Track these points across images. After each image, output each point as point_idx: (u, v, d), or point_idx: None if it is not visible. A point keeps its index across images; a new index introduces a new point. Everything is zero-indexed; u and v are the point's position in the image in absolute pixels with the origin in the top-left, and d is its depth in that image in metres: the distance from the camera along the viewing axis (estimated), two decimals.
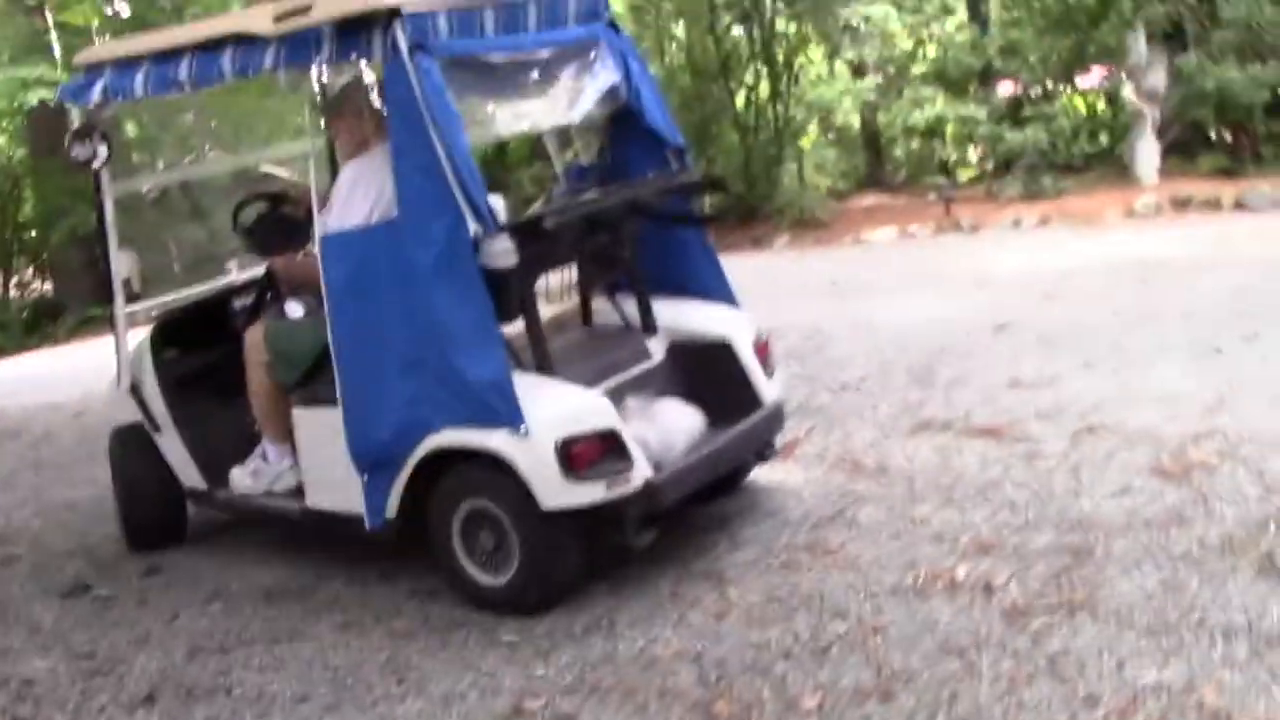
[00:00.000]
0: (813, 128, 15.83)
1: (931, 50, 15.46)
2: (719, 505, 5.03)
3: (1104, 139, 13.89)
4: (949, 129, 15.31)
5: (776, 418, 4.87)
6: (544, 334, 4.44)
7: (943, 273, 9.84)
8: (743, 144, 14.54)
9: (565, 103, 4.74)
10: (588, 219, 4.53)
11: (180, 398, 5.37)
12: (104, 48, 5.24)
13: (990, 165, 14.12)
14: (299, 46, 4.28)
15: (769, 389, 4.83)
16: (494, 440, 4.08)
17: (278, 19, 4.27)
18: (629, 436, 4.18)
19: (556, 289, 5.03)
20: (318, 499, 4.77)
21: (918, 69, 15.37)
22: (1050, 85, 14.32)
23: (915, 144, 15.72)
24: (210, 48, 4.56)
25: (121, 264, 5.38)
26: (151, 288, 6.86)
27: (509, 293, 4.26)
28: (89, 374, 11.43)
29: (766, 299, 9.81)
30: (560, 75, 4.70)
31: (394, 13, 4.04)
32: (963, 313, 8.08)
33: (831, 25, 13.77)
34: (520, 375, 4.22)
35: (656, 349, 4.86)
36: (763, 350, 4.88)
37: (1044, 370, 6.39)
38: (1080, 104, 14.54)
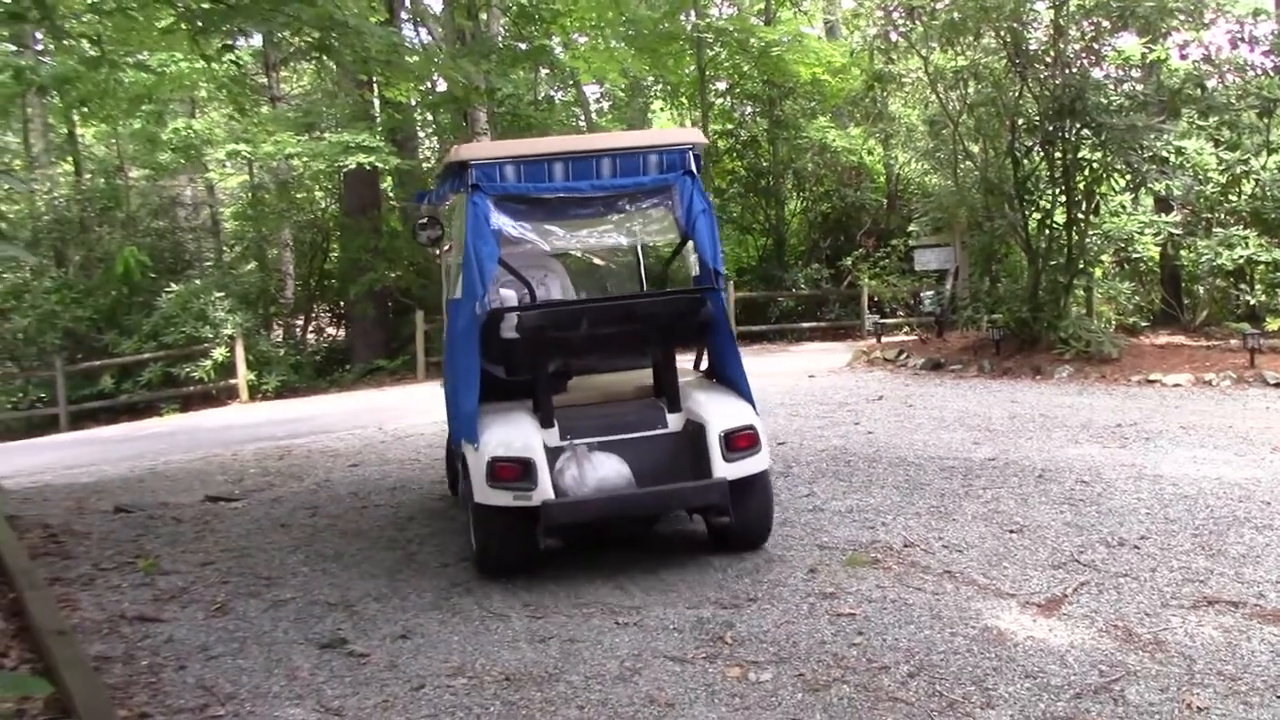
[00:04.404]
0: (1107, 258, 15.18)
1: (1249, 188, 14.59)
2: (975, 658, 4.79)
3: None
4: (1259, 272, 14.41)
5: (711, 490, 5.98)
6: (549, 390, 6.26)
7: (1242, 429, 9.13)
8: (1031, 268, 14.07)
9: (621, 230, 6.74)
10: (573, 316, 6.32)
11: None
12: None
13: None
14: (453, 178, 6.60)
15: (720, 467, 6.02)
16: (466, 450, 6.17)
17: (446, 160, 6.62)
18: (543, 468, 5.84)
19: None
20: None
21: (1230, 206, 14.55)
22: None
23: (1220, 284, 14.84)
24: (444, 176, 7.09)
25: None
26: None
27: (519, 355, 6.32)
28: (369, 425, 12.11)
29: (1042, 434, 9.41)
30: (621, 210, 6.41)
31: (465, 164, 6.14)
32: (1263, 478, 7.47)
33: (1138, 156, 13.21)
34: (499, 412, 6.19)
35: (675, 422, 6.34)
36: (742, 439, 6.08)
37: None
38: None
